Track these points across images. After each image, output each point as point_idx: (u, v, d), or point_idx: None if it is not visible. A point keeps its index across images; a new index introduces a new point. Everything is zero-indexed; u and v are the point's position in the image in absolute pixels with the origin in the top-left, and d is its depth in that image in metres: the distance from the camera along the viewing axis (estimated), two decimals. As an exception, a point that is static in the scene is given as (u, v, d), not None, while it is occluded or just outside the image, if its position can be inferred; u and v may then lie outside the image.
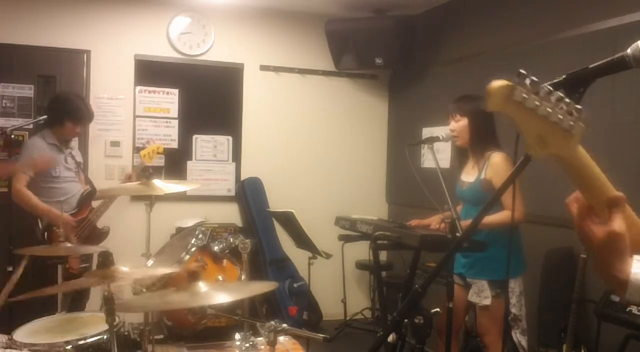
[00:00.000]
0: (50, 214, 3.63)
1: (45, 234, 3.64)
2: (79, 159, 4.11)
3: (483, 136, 3.15)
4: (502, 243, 3.01)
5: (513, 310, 3.16)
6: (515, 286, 3.14)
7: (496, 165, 3.06)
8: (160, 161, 5.14)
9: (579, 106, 0.89)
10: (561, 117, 0.87)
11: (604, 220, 0.94)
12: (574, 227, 0.98)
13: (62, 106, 3.89)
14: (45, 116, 3.93)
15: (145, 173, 3.24)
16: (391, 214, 5.69)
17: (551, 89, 0.87)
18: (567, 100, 0.88)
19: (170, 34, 5.20)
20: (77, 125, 3.91)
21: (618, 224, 0.93)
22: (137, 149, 5.02)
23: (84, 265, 3.74)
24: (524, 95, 0.85)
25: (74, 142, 4.16)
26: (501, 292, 3.07)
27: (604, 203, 0.95)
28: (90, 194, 3.98)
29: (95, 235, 3.94)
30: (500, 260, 3.01)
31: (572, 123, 0.88)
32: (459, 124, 3.17)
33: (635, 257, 0.95)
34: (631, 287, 0.92)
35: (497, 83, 0.86)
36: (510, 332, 3.22)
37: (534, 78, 0.85)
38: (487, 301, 3.07)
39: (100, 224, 4.00)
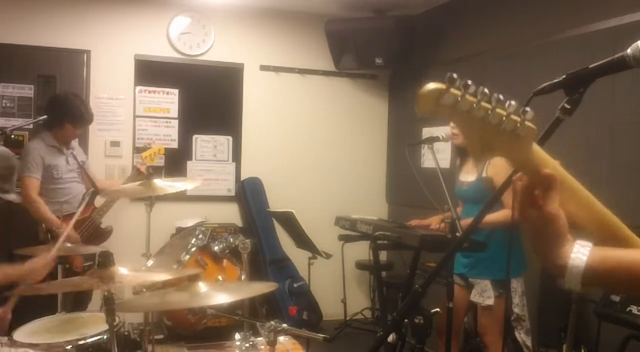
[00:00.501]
0: (54, 225, 3.62)
1: (49, 234, 3.63)
2: (82, 158, 4.11)
3: None
4: (504, 243, 3.01)
5: (516, 310, 3.16)
6: (517, 286, 3.14)
7: (498, 163, 3.06)
8: (160, 161, 5.14)
9: (526, 108, 0.85)
10: (503, 119, 0.83)
11: (541, 202, 0.90)
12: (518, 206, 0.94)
13: (62, 107, 3.88)
14: (45, 116, 3.92)
15: (146, 173, 3.24)
16: (391, 214, 5.68)
17: (488, 91, 0.83)
18: (511, 102, 0.84)
19: (170, 34, 5.20)
20: (76, 127, 3.91)
21: (551, 205, 0.89)
22: (137, 150, 5.03)
23: (87, 263, 3.74)
24: (457, 98, 0.81)
25: (75, 142, 4.15)
26: (503, 292, 3.07)
27: (539, 180, 0.90)
28: (93, 194, 3.97)
29: (98, 234, 3.94)
30: (502, 260, 3.01)
31: (518, 125, 0.83)
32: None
33: (580, 242, 0.90)
34: (569, 273, 0.88)
35: (427, 86, 0.83)
36: (511, 332, 3.22)
37: (468, 81, 0.81)
38: (490, 301, 3.07)
39: (103, 223, 4.00)
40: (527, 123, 0.85)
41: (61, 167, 3.85)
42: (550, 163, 0.91)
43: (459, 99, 0.81)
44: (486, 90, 0.83)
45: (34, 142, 3.87)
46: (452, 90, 0.81)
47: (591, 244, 0.91)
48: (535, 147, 0.89)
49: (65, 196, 3.82)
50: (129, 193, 3.95)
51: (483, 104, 0.82)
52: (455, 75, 0.82)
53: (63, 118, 3.84)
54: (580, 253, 0.88)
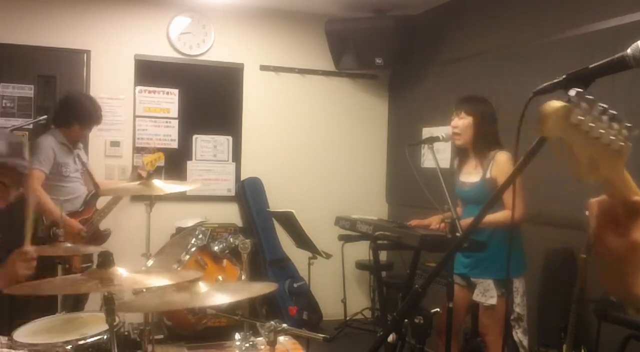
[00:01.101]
0: (59, 220, 3.62)
1: (51, 232, 3.63)
2: (85, 159, 4.11)
3: (486, 138, 3.14)
4: (504, 242, 3.01)
5: (517, 309, 3.16)
6: (519, 286, 3.14)
7: (502, 163, 3.06)
8: (160, 161, 5.14)
9: (629, 124, 0.82)
10: (613, 138, 0.81)
11: (625, 229, 0.85)
12: (588, 230, 0.89)
13: (72, 108, 3.88)
14: (45, 116, 3.93)
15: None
16: (391, 214, 5.68)
17: (605, 107, 0.80)
18: (618, 118, 0.82)
19: (170, 34, 5.20)
20: (84, 129, 3.92)
21: (638, 233, 0.84)
22: (137, 150, 5.03)
23: (85, 265, 3.74)
24: (580, 117, 0.78)
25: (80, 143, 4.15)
26: (506, 292, 3.07)
27: (626, 207, 0.86)
28: (95, 195, 3.98)
29: (97, 237, 3.95)
30: (504, 259, 3.01)
31: (622, 144, 0.81)
32: (463, 121, 3.15)
33: None
34: None
35: (554, 104, 0.79)
36: (511, 332, 3.22)
37: (590, 97, 0.78)
38: (493, 301, 3.07)
39: (102, 226, 4.00)
40: (628, 142, 0.82)
41: (69, 166, 3.87)
42: (630, 181, 0.87)
43: (582, 117, 0.79)
44: (602, 105, 0.80)
45: (45, 137, 3.85)
46: (577, 108, 0.79)
47: None
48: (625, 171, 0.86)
49: (68, 195, 3.82)
50: (129, 192, 3.96)
51: (599, 122, 0.80)
52: (581, 90, 0.79)
53: (71, 118, 3.84)
54: None
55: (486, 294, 3.10)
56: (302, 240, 3.61)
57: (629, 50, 1.08)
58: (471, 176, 3.22)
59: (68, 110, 3.87)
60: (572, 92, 0.79)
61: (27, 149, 3.23)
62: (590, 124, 0.79)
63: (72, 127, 3.85)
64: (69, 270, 3.47)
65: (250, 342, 2.45)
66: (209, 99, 5.35)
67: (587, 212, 0.89)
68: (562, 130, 0.80)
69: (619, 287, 0.87)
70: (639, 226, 0.84)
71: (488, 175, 3.10)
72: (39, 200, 3.63)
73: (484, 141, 3.15)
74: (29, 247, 2.22)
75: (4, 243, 3.20)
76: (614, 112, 0.81)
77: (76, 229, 3.72)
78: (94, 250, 3.12)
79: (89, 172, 4.07)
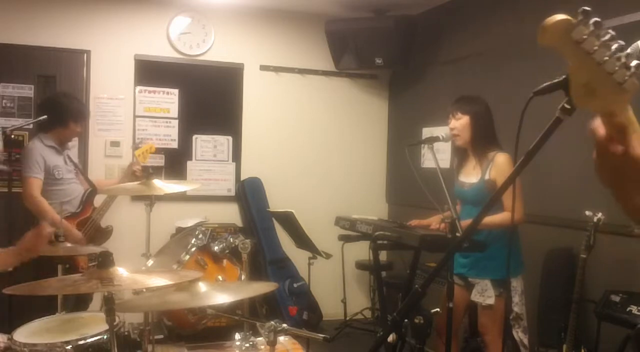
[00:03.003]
0: (56, 223, 3.62)
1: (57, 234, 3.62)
2: (75, 159, 4.11)
3: (484, 136, 3.15)
4: (503, 242, 3.02)
5: (515, 308, 3.16)
6: (517, 285, 3.14)
7: (501, 165, 3.06)
8: (160, 161, 5.15)
9: (638, 61, 0.79)
10: (617, 68, 0.77)
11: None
12: (594, 156, 0.89)
13: (61, 107, 3.88)
14: (45, 116, 3.92)
15: (145, 173, 3.25)
16: (391, 214, 5.69)
17: (614, 34, 0.77)
18: (628, 51, 0.79)
19: (170, 34, 5.20)
20: (78, 124, 3.92)
21: (637, 147, 0.84)
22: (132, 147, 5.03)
23: (92, 264, 3.73)
24: (584, 35, 0.75)
25: (71, 143, 4.14)
26: (504, 292, 3.07)
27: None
28: (92, 194, 3.98)
29: (100, 234, 3.95)
30: (501, 259, 3.01)
31: (626, 77, 0.78)
32: (460, 122, 3.17)
33: None
34: None
35: (557, 16, 0.76)
36: (511, 332, 3.22)
37: (598, 18, 0.75)
38: (491, 301, 3.07)
39: (103, 223, 4.00)
40: (634, 79, 0.79)
41: (61, 168, 3.85)
42: (637, 126, 0.85)
43: (586, 37, 0.76)
44: (611, 32, 0.77)
45: (32, 143, 3.85)
46: (582, 26, 0.76)
47: None
48: (629, 107, 0.83)
49: (66, 197, 3.81)
50: (128, 191, 3.96)
51: (605, 48, 0.77)
52: (589, 9, 0.76)
53: (66, 117, 3.83)
54: None
55: (484, 294, 3.10)
56: (302, 240, 3.60)
57: (629, 50, 1.08)
58: (470, 176, 3.22)
59: (60, 110, 3.86)
60: (582, 10, 0.76)
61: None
62: (594, 47, 0.76)
63: (69, 125, 3.85)
64: (74, 270, 3.47)
65: (250, 342, 2.45)
66: (209, 99, 5.35)
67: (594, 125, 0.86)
68: (562, 43, 0.77)
69: (629, 201, 0.87)
70: (636, 141, 0.84)
71: (487, 176, 3.10)
72: (40, 210, 3.63)
73: (482, 140, 3.15)
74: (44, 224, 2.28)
75: (3, 239, 3.20)
76: (622, 42, 0.78)
77: (77, 239, 3.71)
78: (94, 250, 3.13)
79: (83, 172, 4.06)
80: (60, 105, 3.90)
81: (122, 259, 2.08)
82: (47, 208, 3.67)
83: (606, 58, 0.77)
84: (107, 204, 3.93)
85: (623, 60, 0.78)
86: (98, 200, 4.02)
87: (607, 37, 0.77)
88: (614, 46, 0.78)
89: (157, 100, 5.20)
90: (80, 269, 3.55)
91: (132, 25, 5.11)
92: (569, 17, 0.76)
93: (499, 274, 3.06)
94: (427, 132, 4.87)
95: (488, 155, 3.13)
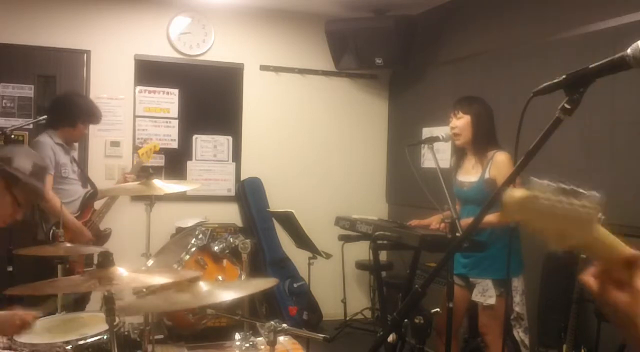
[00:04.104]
0: (74, 226, 3.62)
1: (51, 232, 3.61)
2: (77, 161, 4.10)
3: (485, 136, 3.15)
4: (503, 242, 3.01)
5: (516, 308, 3.16)
6: (518, 285, 3.14)
7: (500, 163, 3.06)
8: (160, 161, 5.15)
9: (592, 193, 0.87)
10: (579, 209, 0.85)
11: (625, 282, 0.89)
12: (597, 302, 0.93)
13: (72, 107, 3.84)
14: (45, 116, 3.91)
15: (145, 173, 3.24)
16: (391, 214, 5.68)
17: (563, 185, 0.86)
18: (580, 190, 0.87)
19: (170, 34, 5.20)
20: (86, 126, 3.91)
21: None
22: (136, 149, 5.03)
23: (88, 269, 3.72)
24: (543, 202, 0.85)
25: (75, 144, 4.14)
26: (505, 291, 3.07)
27: (621, 264, 0.90)
28: (92, 196, 3.96)
29: (99, 237, 3.93)
30: (502, 259, 3.01)
31: (589, 211, 0.86)
32: (461, 121, 3.17)
33: None
34: None
35: (516, 194, 0.86)
36: (511, 332, 3.22)
37: (547, 182, 0.85)
38: (492, 300, 3.07)
39: (102, 226, 3.99)
40: (595, 205, 0.86)
41: (67, 167, 3.82)
42: (608, 236, 0.90)
43: (545, 202, 0.84)
44: (560, 184, 0.86)
45: (43, 137, 3.79)
46: (539, 193, 0.85)
47: None
48: (602, 229, 0.89)
49: (68, 198, 3.77)
50: (128, 191, 3.96)
51: (563, 198, 0.85)
52: (536, 179, 0.85)
53: (75, 118, 3.81)
54: None
55: (485, 294, 3.10)
56: (302, 240, 3.61)
57: (629, 50, 1.08)
58: (469, 175, 3.22)
59: (69, 110, 3.84)
60: (534, 180, 0.86)
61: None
62: (553, 204, 0.85)
63: (77, 127, 3.83)
64: (71, 273, 3.45)
65: (250, 342, 2.45)
66: (209, 99, 5.35)
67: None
68: (524, 216, 0.86)
69: (638, 338, 0.88)
70: (638, 276, 0.87)
71: (487, 175, 3.10)
72: (54, 207, 3.52)
73: (482, 140, 3.16)
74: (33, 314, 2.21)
75: (2, 244, 3.20)
76: (573, 187, 0.86)
77: (87, 239, 3.70)
78: (94, 250, 3.12)
79: (85, 173, 4.06)
80: (73, 104, 3.87)
81: (122, 259, 2.08)
82: (60, 206, 3.64)
83: (566, 206, 0.85)
84: (107, 207, 3.93)
85: (579, 198, 0.86)
86: (99, 202, 4.02)
87: (558, 190, 0.85)
88: (568, 193, 0.86)
89: (157, 100, 5.20)
90: (75, 274, 3.53)
91: (132, 25, 5.11)
92: (526, 194, 0.84)
93: (500, 274, 3.06)
94: (427, 132, 4.87)
95: (487, 154, 3.14)
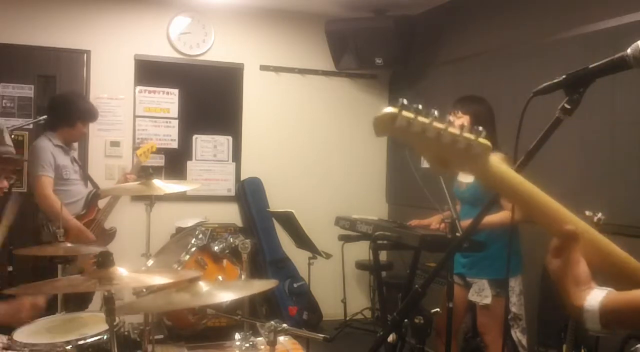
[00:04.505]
0: (76, 227, 3.61)
1: (51, 232, 3.61)
2: (78, 161, 4.10)
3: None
4: (502, 242, 3.01)
5: (513, 309, 3.16)
6: (515, 285, 3.14)
7: None
8: (160, 161, 5.15)
9: (478, 128, 0.90)
10: (457, 137, 0.88)
11: (562, 250, 0.97)
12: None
13: (70, 107, 3.85)
14: (45, 116, 3.91)
15: (145, 173, 3.24)
16: (391, 214, 5.68)
17: (437, 114, 0.88)
18: (479, 129, 0.90)
19: (170, 34, 5.20)
20: (85, 125, 3.91)
21: (573, 253, 0.96)
22: (135, 149, 5.03)
23: None
24: (409, 120, 0.87)
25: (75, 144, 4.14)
26: (501, 292, 3.07)
27: (559, 233, 0.97)
28: (96, 195, 3.96)
29: (104, 236, 3.93)
30: (500, 259, 3.02)
31: (470, 143, 0.88)
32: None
33: (599, 287, 0.96)
34: (586, 314, 0.93)
35: (382, 111, 0.88)
36: (510, 331, 3.22)
37: (419, 106, 0.87)
38: (488, 300, 3.07)
39: (107, 225, 4.00)
40: (481, 140, 0.89)
41: (68, 168, 3.82)
42: (515, 179, 0.95)
43: (411, 121, 0.87)
44: (436, 112, 0.88)
45: (42, 141, 3.79)
46: (404, 113, 0.87)
47: (611, 288, 0.95)
48: (497, 163, 0.93)
49: (71, 198, 3.77)
50: (128, 191, 3.96)
51: (435, 124, 0.87)
52: (405, 101, 0.88)
53: (74, 117, 3.81)
54: (596, 295, 0.93)
55: (481, 293, 3.11)
56: (302, 240, 3.61)
57: (629, 50, 1.08)
58: (467, 176, 3.22)
59: (67, 110, 3.84)
60: (400, 101, 0.87)
61: (7, 135, 3.21)
62: (424, 127, 0.87)
63: (76, 126, 3.83)
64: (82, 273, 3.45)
65: (250, 342, 2.45)
66: (209, 99, 5.35)
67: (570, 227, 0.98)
68: (390, 133, 0.88)
69: (566, 302, 0.99)
70: (572, 247, 0.96)
71: None
72: (54, 209, 3.53)
73: None
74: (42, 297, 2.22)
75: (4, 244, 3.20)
76: (451, 117, 0.89)
77: (89, 240, 3.70)
78: (93, 250, 3.12)
79: (87, 173, 4.06)
80: (70, 104, 3.87)
81: (122, 259, 2.08)
82: (60, 209, 3.64)
83: (441, 132, 0.88)
84: (111, 205, 3.92)
85: (462, 129, 0.89)
86: (101, 201, 4.02)
87: (432, 115, 0.88)
88: (445, 121, 0.89)
89: (157, 100, 5.20)
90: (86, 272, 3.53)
91: (132, 25, 5.11)
92: (391, 110, 0.86)
93: (496, 274, 3.06)
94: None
95: None
